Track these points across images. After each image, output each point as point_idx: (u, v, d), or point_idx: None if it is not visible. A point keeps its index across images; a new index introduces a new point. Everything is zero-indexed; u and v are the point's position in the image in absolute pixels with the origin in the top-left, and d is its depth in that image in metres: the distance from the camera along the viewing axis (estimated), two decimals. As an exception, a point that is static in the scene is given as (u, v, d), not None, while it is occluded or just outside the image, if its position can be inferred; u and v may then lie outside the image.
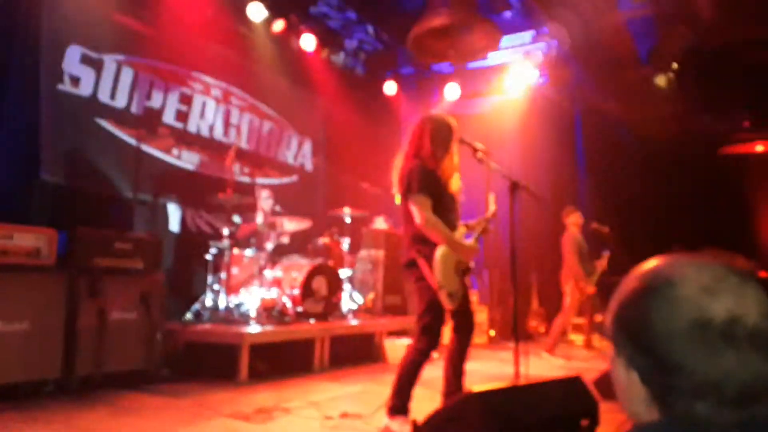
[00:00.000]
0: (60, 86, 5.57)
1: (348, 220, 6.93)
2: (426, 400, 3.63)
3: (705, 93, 7.48)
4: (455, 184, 3.65)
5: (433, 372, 3.70)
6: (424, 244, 3.43)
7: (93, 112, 5.82)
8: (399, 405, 3.43)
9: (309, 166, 8.24)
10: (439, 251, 3.33)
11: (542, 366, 5.96)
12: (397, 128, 9.88)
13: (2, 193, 4.93)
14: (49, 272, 4.22)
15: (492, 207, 3.64)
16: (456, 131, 3.64)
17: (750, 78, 7.22)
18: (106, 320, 4.46)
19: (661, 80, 7.17)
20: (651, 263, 0.76)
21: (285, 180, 8.02)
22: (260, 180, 7.57)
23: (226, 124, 7.20)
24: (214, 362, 5.16)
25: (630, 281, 0.77)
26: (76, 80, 5.70)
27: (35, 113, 5.28)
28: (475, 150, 3.65)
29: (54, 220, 4.76)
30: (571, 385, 2.98)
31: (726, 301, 0.69)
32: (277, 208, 6.62)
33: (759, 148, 8.30)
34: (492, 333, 8.09)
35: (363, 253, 7.43)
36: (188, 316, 5.63)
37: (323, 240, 6.79)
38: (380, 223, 7.83)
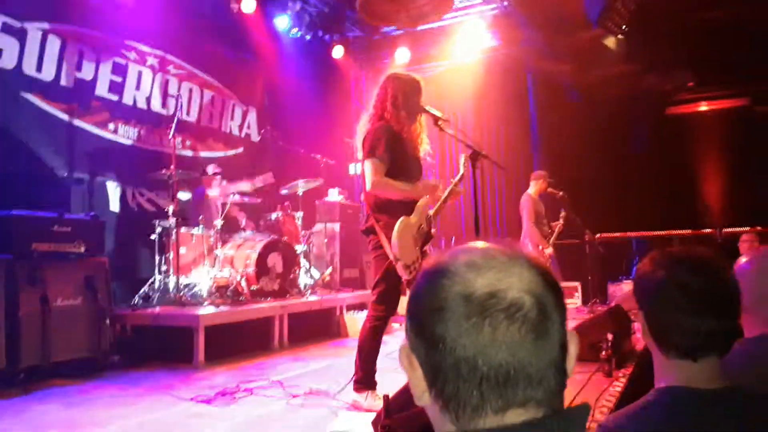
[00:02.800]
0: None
1: (300, 193, 6.70)
2: (393, 372, 3.53)
3: (652, 54, 7.54)
4: (422, 146, 3.51)
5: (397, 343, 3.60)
6: (382, 212, 3.31)
7: (18, 86, 5.34)
8: (364, 378, 3.35)
9: (255, 136, 7.90)
10: (398, 223, 3.22)
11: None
12: (346, 95, 9.61)
13: None
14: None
15: (462, 170, 3.51)
16: (422, 91, 3.48)
17: (694, 38, 7.32)
18: (50, 308, 4.15)
19: (610, 41, 7.18)
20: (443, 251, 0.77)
21: (230, 152, 7.69)
22: (204, 153, 7.22)
23: (165, 94, 6.78)
24: (167, 346, 4.93)
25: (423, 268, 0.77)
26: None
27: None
28: (435, 119, 3.50)
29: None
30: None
31: (489, 276, 0.70)
32: (224, 182, 6.34)
33: (703, 107, 8.49)
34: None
35: (318, 226, 7.24)
36: (136, 299, 5.34)
37: (276, 215, 6.54)
38: (334, 196, 7.64)
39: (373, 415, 3.11)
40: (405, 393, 2.64)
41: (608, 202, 7.98)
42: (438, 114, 3.49)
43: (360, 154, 3.39)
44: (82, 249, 4.51)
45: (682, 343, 1.23)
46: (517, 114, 8.52)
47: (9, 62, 5.27)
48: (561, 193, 6.81)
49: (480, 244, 0.76)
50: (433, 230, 3.41)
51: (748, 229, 7.11)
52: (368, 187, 3.28)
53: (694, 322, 1.21)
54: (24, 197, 4.81)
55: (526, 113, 8.58)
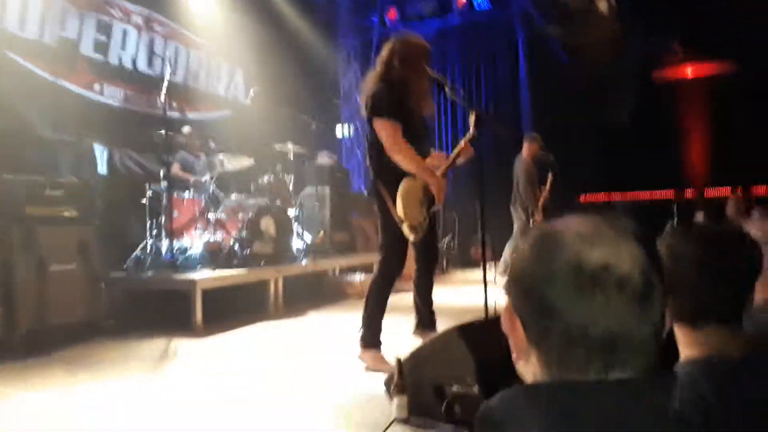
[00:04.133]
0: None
1: (291, 156, 6.62)
2: (397, 334, 3.59)
3: (641, 17, 7.54)
4: (427, 108, 3.48)
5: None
6: (387, 173, 3.29)
7: (1, 43, 5.15)
8: (370, 337, 3.38)
9: (242, 98, 7.76)
10: (403, 184, 3.21)
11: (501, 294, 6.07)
12: (333, 54, 9.44)
13: None
14: (-24, 225, 3.80)
15: (471, 129, 3.49)
16: (428, 53, 3.44)
17: (683, 2, 7.33)
18: (45, 272, 4.08)
19: (602, 5, 7.14)
20: (548, 222, 0.82)
21: (217, 114, 7.55)
22: (191, 115, 7.09)
23: (151, 54, 6.60)
24: (162, 311, 4.90)
25: (528, 236, 0.82)
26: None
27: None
28: (440, 83, 3.45)
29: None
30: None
31: (602, 249, 0.74)
32: (212, 144, 6.24)
33: (689, 71, 8.54)
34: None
35: (308, 189, 7.20)
36: (128, 264, 5.28)
37: (267, 178, 6.48)
38: (324, 158, 7.59)
39: (379, 374, 3.18)
40: (415, 355, 2.69)
41: (594, 164, 8.06)
42: (443, 78, 3.46)
43: (365, 112, 3.35)
44: (75, 213, 4.43)
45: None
46: (507, 76, 8.49)
47: (-11, 19, 5.07)
48: (551, 156, 6.85)
49: (588, 217, 0.80)
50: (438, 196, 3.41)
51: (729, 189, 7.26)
52: (386, 145, 3.23)
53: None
54: (11, 160, 4.69)
55: (516, 76, 8.55)
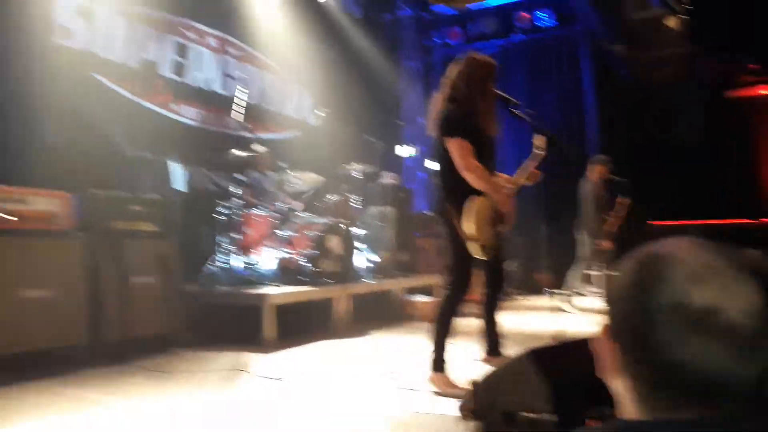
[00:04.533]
0: (52, 39, 5.17)
1: (357, 176, 6.71)
2: (465, 358, 3.56)
3: (713, 35, 7.33)
4: (493, 129, 3.47)
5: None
6: (456, 193, 3.29)
7: (88, 66, 5.44)
8: (436, 359, 3.36)
9: (310, 119, 7.94)
10: (474, 202, 3.20)
11: (567, 320, 5.95)
12: (396, 75, 9.52)
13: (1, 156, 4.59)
14: (68, 237, 3.99)
15: (538, 151, 3.46)
16: (494, 72, 3.45)
17: (758, 19, 7.08)
18: (128, 285, 4.25)
19: (671, 21, 6.99)
20: (654, 245, 0.77)
21: (286, 135, 7.73)
22: (262, 135, 7.27)
23: (225, 75, 6.85)
24: (234, 324, 5.02)
25: (632, 259, 0.77)
26: (68, 32, 5.30)
27: (28, 69, 4.90)
28: (507, 102, 3.45)
29: (55, 183, 4.45)
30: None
31: (710, 290, 0.69)
32: (282, 164, 6.39)
33: (764, 91, 8.23)
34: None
35: (373, 209, 7.26)
36: (202, 278, 5.43)
37: (333, 197, 6.57)
38: (387, 179, 7.64)
39: (446, 399, 3.15)
40: (488, 380, 2.65)
41: (663, 188, 7.83)
42: (510, 98, 3.45)
43: (435, 132, 3.37)
44: (155, 227, 4.61)
45: None
46: (572, 94, 8.37)
47: (80, 43, 5.37)
48: (625, 180, 6.68)
49: (702, 248, 0.74)
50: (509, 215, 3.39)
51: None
52: (459, 165, 3.24)
53: None
54: (98, 176, 4.92)
55: (581, 95, 8.43)
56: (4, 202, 3.67)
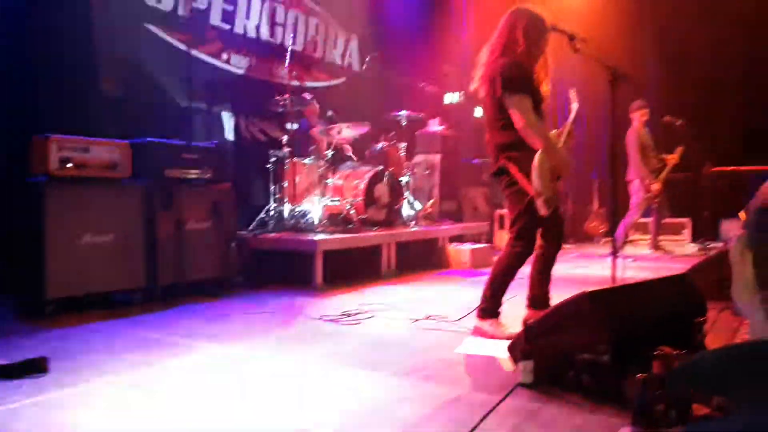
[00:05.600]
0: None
1: (404, 123, 6.70)
2: (512, 305, 3.60)
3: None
4: (546, 87, 3.40)
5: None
6: (514, 149, 3.26)
7: (141, 17, 5.54)
8: (490, 308, 3.40)
9: (356, 65, 7.89)
10: (537, 157, 3.16)
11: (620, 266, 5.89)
12: (447, 20, 9.28)
13: (60, 105, 4.78)
14: (126, 185, 4.18)
15: (574, 105, 3.39)
16: (549, 29, 3.34)
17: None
18: (183, 230, 4.44)
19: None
20: None
21: (333, 82, 7.73)
22: (309, 83, 7.31)
23: (272, 23, 6.86)
24: (286, 270, 5.20)
25: None
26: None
27: (84, 19, 5.02)
28: (571, 38, 3.34)
29: (114, 131, 4.63)
30: (679, 283, 2.88)
31: None
32: (330, 112, 6.43)
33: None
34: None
35: (419, 157, 7.26)
36: (254, 225, 5.61)
37: (381, 145, 6.59)
38: (435, 126, 7.60)
39: (497, 342, 3.22)
40: (543, 321, 2.69)
41: (726, 133, 7.51)
42: (571, 32, 3.32)
43: (491, 88, 3.31)
44: (209, 175, 4.75)
45: None
46: (632, 32, 7.98)
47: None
48: (680, 121, 6.47)
49: None
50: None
51: None
52: (519, 124, 3.20)
53: None
54: (150, 125, 5.08)
55: (647, 35, 8.01)
56: (68, 151, 3.86)
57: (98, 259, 3.96)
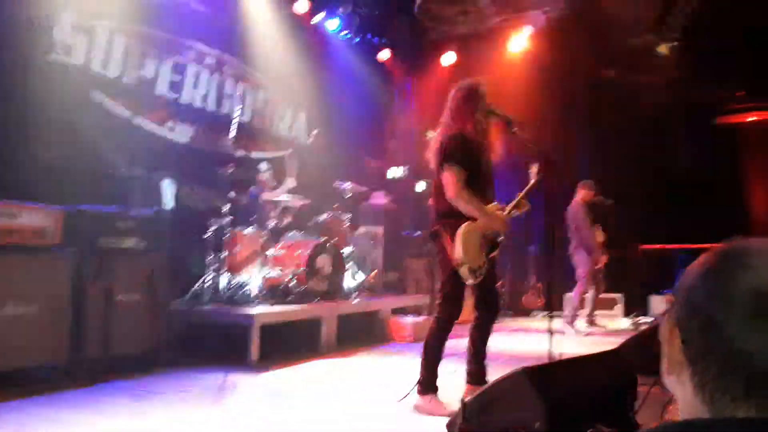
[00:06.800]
0: (52, 55, 5.22)
1: (348, 195, 6.76)
2: (455, 380, 3.57)
3: (704, 62, 7.45)
4: (492, 155, 3.54)
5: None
6: (449, 217, 3.34)
7: (86, 84, 5.49)
8: (427, 380, 3.38)
9: (304, 138, 8.00)
10: (463, 227, 3.24)
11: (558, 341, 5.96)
12: (391, 97, 9.60)
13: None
14: (55, 253, 4.01)
15: (532, 179, 3.53)
16: (485, 94, 3.50)
17: (748, 47, 7.21)
18: (113, 302, 4.26)
19: (663, 48, 7.11)
20: (737, 239, 0.77)
21: (279, 154, 7.77)
22: (255, 154, 7.33)
23: (220, 94, 6.92)
24: (220, 343, 5.01)
25: (711, 251, 0.77)
26: (68, 49, 5.36)
27: (26, 84, 4.94)
28: (507, 122, 3.50)
29: (45, 197, 4.47)
30: (612, 359, 2.94)
31: None
32: (288, 182, 6.43)
33: (752, 118, 8.34)
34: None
35: (362, 229, 7.30)
36: (188, 297, 5.43)
37: (324, 216, 6.61)
38: (379, 198, 7.70)
39: (436, 419, 3.16)
40: (480, 398, 2.67)
41: (653, 213, 7.89)
42: (507, 117, 3.48)
43: (434, 158, 3.43)
44: (143, 244, 4.62)
45: None
46: (565, 120, 8.45)
47: (78, 59, 5.43)
48: (609, 201, 6.77)
49: None
50: (501, 238, 3.43)
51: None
52: (449, 193, 3.30)
53: None
54: (87, 193, 4.94)
55: (574, 120, 8.50)
56: (-6, 216, 3.70)
57: (20, 331, 3.73)
